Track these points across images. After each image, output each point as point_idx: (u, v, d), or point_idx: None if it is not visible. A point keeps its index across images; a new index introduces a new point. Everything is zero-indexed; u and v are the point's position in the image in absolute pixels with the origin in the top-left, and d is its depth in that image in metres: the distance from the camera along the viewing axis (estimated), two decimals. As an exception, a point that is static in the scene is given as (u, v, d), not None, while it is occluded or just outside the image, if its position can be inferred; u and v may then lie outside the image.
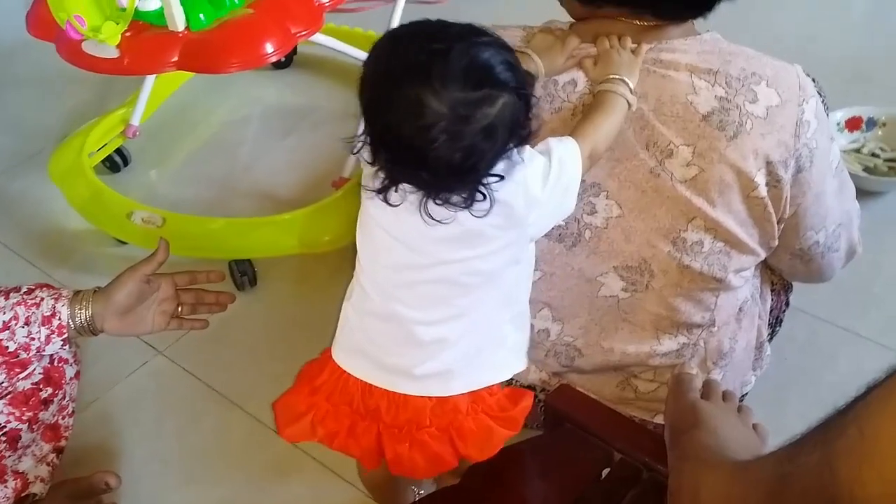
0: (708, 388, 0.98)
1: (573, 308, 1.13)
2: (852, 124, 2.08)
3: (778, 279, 1.33)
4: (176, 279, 1.32)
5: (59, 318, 1.23)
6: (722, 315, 1.15)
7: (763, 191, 1.04)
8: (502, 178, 0.89)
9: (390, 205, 0.92)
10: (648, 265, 1.08)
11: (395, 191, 0.91)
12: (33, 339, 1.23)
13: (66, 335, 1.24)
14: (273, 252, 1.91)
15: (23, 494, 1.33)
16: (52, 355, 1.30)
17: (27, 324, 1.22)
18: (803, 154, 1.06)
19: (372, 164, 0.91)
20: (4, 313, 1.21)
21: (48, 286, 1.27)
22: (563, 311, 1.13)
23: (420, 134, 0.84)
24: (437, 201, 0.89)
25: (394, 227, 0.95)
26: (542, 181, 0.92)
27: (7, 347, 1.21)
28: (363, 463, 1.08)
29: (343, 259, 1.96)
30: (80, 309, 1.24)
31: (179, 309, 1.33)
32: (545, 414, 1.12)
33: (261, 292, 1.92)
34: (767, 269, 1.27)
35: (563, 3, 1.12)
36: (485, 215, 0.89)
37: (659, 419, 1.15)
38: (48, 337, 1.23)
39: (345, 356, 1.04)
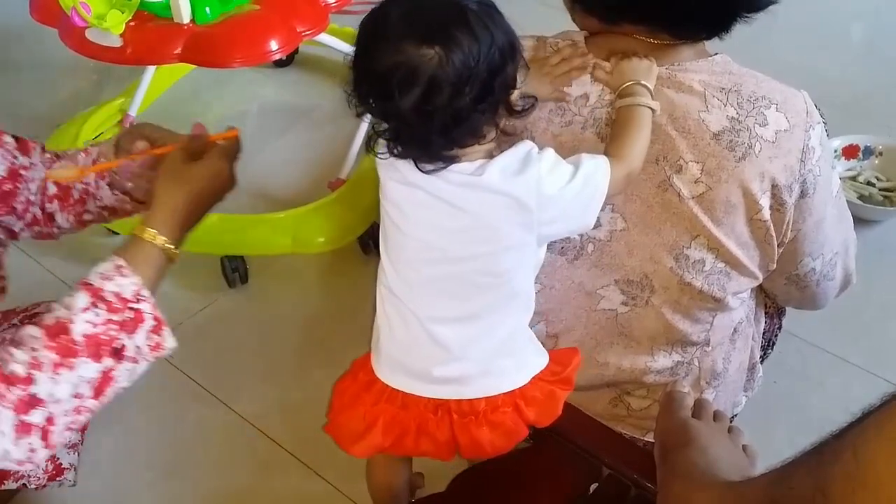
0: (699, 408, 0.98)
1: (569, 321, 1.13)
2: (849, 152, 2.10)
3: (772, 302, 1.33)
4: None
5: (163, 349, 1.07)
6: (717, 335, 1.15)
7: (766, 214, 1.05)
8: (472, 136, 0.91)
9: (380, 156, 0.95)
10: (650, 280, 1.08)
11: (388, 137, 0.93)
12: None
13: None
14: (266, 250, 1.91)
15: (57, 479, 1.31)
16: None
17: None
18: (808, 180, 1.06)
19: (359, 110, 0.93)
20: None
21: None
22: (559, 325, 1.13)
23: (389, 71, 0.86)
24: (421, 162, 0.91)
25: (406, 222, 0.96)
26: (558, 184, 0.93)
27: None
28: (438, 457, 1.04)
29: (335, 261, 1.96)
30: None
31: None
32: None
33: (251, 290, 1.91)
34: (762, 291, 1.27)
35: (574, 19, 1.12)
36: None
37: (650, 437, 1.15)
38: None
39: (379, 368, 1.03)
